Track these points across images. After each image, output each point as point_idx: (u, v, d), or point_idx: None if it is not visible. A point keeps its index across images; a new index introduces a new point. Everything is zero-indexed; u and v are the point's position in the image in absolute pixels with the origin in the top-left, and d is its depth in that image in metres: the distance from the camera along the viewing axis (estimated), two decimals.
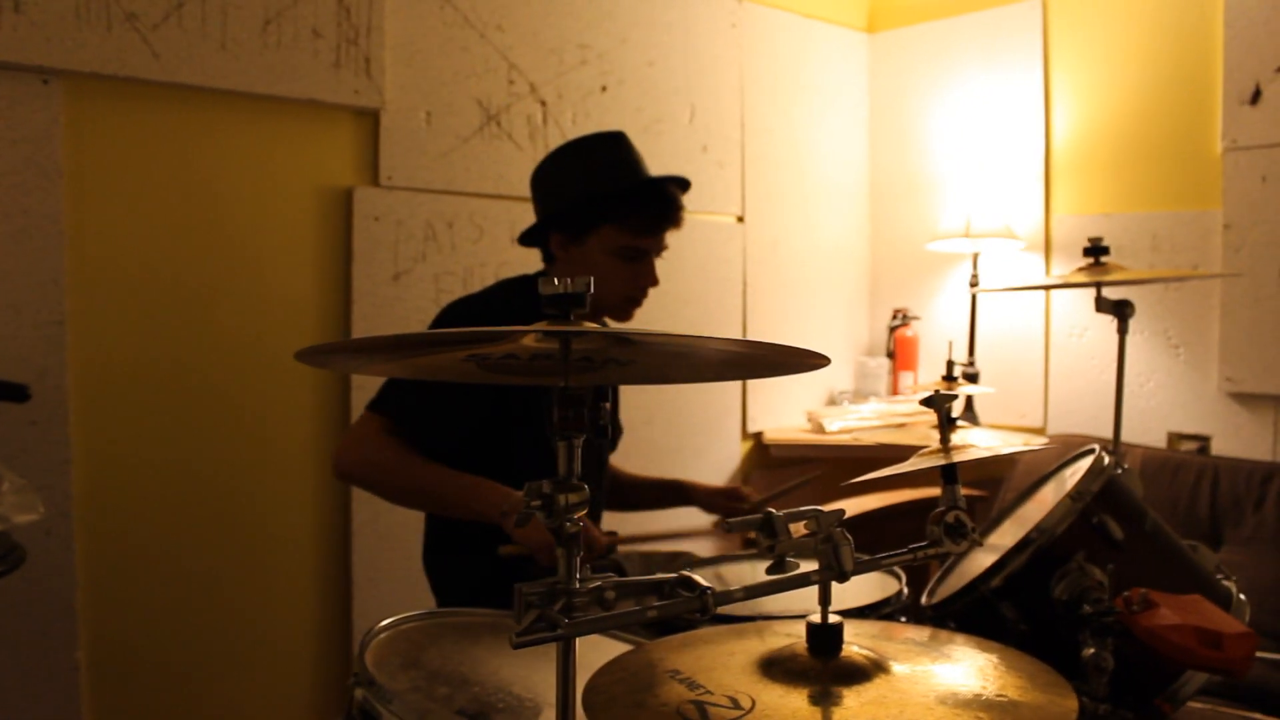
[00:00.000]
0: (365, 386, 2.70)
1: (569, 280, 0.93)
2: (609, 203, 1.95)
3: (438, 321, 2.05)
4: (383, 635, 1.39)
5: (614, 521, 2.35)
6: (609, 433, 0.97)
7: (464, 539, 1.96)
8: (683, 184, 2.06)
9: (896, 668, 0.97)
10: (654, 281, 2.02)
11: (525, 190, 2.14)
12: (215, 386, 2.54)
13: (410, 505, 2.02)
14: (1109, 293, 1.97)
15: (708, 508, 2.36)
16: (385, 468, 1.88)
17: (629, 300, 2.02)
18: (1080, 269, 2.01)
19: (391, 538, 2.73)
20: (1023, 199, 3.66)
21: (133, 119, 2.40)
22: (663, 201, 1.99)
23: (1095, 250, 1.99)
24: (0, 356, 2.22)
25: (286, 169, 2.63)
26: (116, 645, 2.41)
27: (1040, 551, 1.31)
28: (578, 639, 0.91)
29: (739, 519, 1.00)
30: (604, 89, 3.21)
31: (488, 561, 1.74)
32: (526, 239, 2.10)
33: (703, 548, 2.31)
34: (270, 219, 2.61)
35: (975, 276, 3.72)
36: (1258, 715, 1.52)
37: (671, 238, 2.08)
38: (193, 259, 2.50)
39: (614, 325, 2.10)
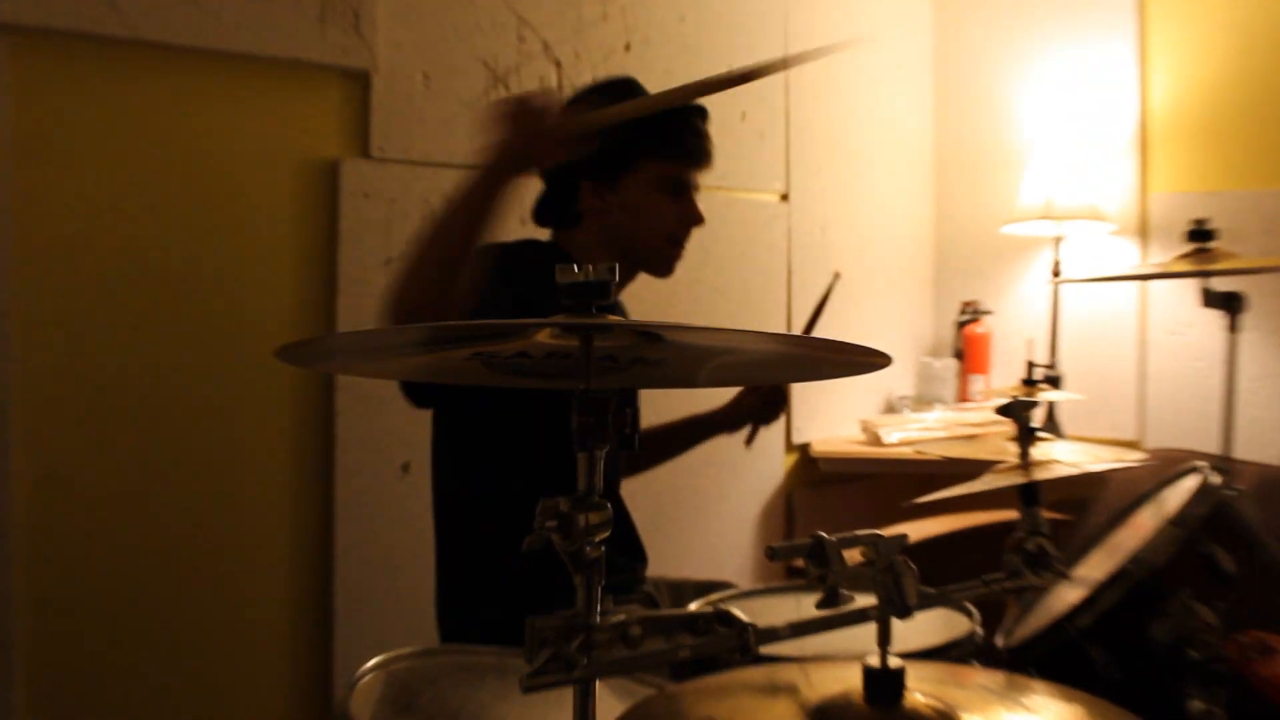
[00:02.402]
0: (350, 388, 2.71)
1: (590, 267, 0.93)
2: (645, 132, 2.04)
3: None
4: (370, 675, 1.39)
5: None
6: (636, 442, 0.97)
7: (485, 576, 1.98)
8: (703, 113, 2.18)
9: (967, 719, 0.96)
10: (700, 218, 2.13)
11: None
12: (180, 387, 2.54)
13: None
14: (1216, 283, 1.96)
15: (735, 422, 2.53)
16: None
17: (673, 241, 2.12)
18: (1182, 256, 2.00)
19: (382, 562, 2.73)
20: (1113, 174, 3.63)
21: (89, 80, 2.41)
22: (700, 131, 2.13)
23: (1200, 234, 1.98)
24: None
25: (263, 138, 2.64)
26: (61, 682, 2.42)
27: (1137, 586, 1.30)
28: (598, 681, 0.91)
29: (784, 544, 0.99)
30: (628, 48, 3.21)
31: (508, 598, 1.74)
32: (543, 208, 2.16)
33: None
34: (245, 195, 2.62)
35: (1058, 264, 3.70)
36: None
37: (706, 217, 2.12)
38: (155, 240, 2.51)
39: (636, 318, 2.10)
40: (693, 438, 2.59)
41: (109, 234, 2.46)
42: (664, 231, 2.10)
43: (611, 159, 2.06)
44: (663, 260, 2.14)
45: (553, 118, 1.78)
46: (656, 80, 3.21)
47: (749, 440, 2.55)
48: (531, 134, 1.77)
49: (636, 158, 2.07)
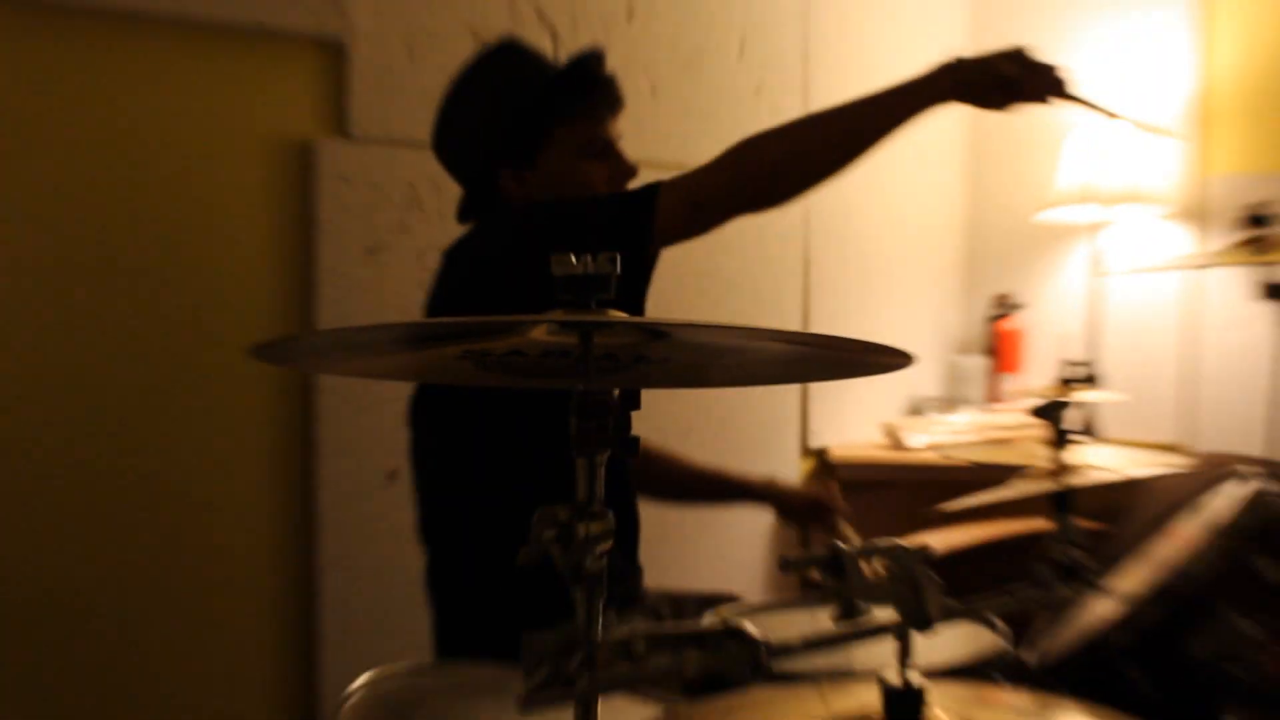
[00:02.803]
0: (331, 390, 2.73)
1: (589, 259, 0.95)
2: (550, 98, 2.04)
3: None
4: (359, 694, 1.40)
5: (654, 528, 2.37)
6: (638, 446, 0.99)
7: (485, 569, 2.01)
8: (598, 57, 2.14)
9: None
10: (633, 168, 2.10)
11: None
12: (142, 390, 2.55)
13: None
14: (1275, 274, 1.96)
15: (789, 514, 2.45)
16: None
17: None
18: (1239, 244, 2.01)
19: (369, 576, 2.74)
20: (1164, 153, 3.63)
21: (33, 53, 2.41)
22: (606, 79, 2.09)
23: (1258, 219, 1.98)
24: None
25: (229, 117, 2.64)
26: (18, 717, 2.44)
27: (1178, 600, 1.32)
28: (599, 699, 0.93)
29: (799, 555, 1.01)
30: (630, 15, 3.22)
31: (509, 597, 1.76)
32: (466, 206, 2.17)
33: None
34: (210, 179, 2.62)
35: (1099, 254, 3.71)
36: None
37: None
38: (111, 231, 2.50)
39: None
40: (727, 495, 2.55)
41: (58, 225, 2.45)
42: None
43: (523, 137, 2.04)
44: None
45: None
46: (663, 48, 3.27)
47: (802, 540, 2.51)
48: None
49: (549, 128, 2.04)
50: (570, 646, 0.92)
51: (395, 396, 2.62)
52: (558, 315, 0.93)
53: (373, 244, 2.78)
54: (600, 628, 0.94)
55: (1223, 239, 3.52)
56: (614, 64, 2.10)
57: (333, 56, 2.75)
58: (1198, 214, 3.62)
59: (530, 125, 2.04)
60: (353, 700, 1.39)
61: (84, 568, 2.50)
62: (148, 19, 2.51)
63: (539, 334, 0.96)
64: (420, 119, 2.81)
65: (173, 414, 2.59)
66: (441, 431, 2.11)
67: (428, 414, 2.13)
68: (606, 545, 0.94)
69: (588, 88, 2.06)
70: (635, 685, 0.95)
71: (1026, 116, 3.94)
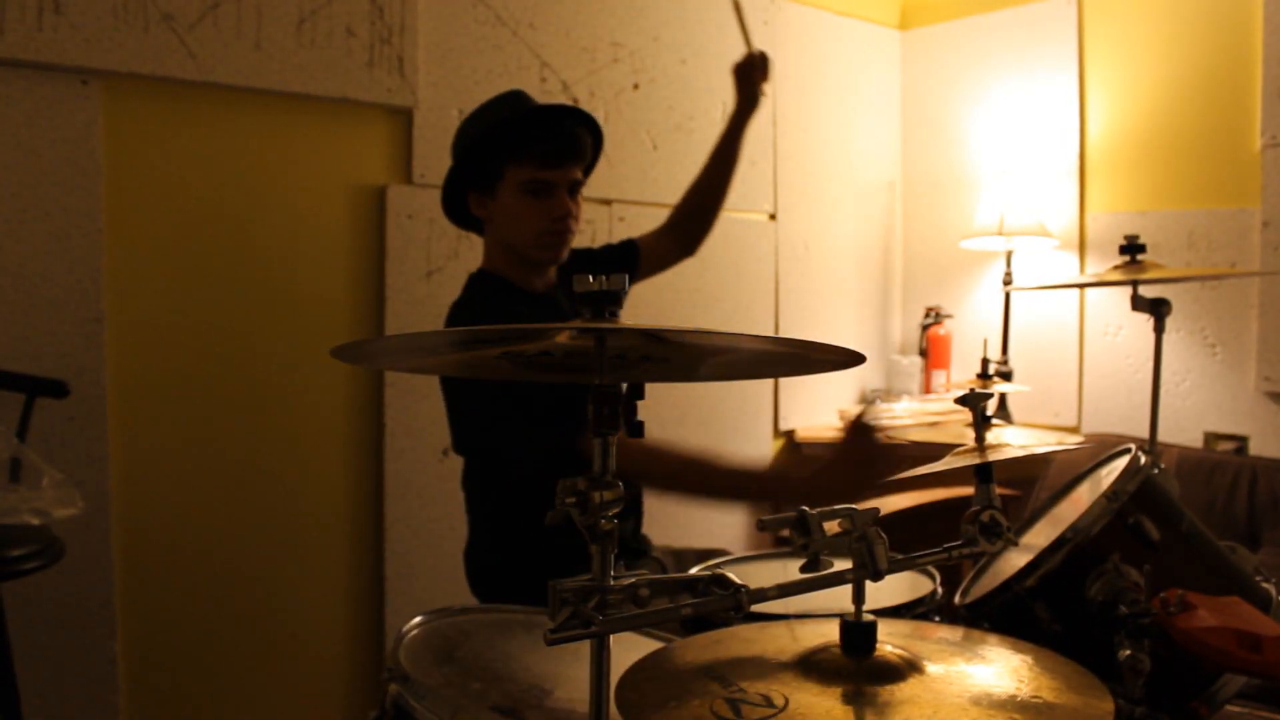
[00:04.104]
0: (397, 384, 2.72)
1: (604, 278, 0.93)
2: (503, 141, 1.95)
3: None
4: (416, 631, 1.39)
5: None
6: (643, 430, 0.97)
7: (509, 538, 1.98)
8: (583, 117, 2.03)
9: (930, 667, 0.96)
10: (567, 212, 1.98)
11: None
12: (250, 383, 2.56)
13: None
14: (1145, 291, 1.95)
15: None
16: None
17: (546, 234, 1.98)
18: (1116, 267, 1.99)
19: (424, 534, 2.75)
20: (1057, 196, 3.63)
21: (170, 118, 2.43)
22: (557, 131, 1.97)
23: (1131, 248, 1.97)
24: (39, 353, 2.26)
25: (320, 167, 2.65)
26: (153, 638, 2.44)
27: (1075, 551, 1.30)
28: (611, 636, 0.92)
29: (773, 517, 0.99)
30: (636, 87, 3.21)
31: (532, 560, 1.75)
32: (456, 219, 2.11)
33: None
34: (304, 217, 2.63)
35: (1009, 274, 3.69)
36: None
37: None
38: (228, 256, 2.52)
39: (642, 321, 2.10)
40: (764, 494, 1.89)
41: (188, 250, 2.47)
42: (535, 229, 1.97)
43: (486, 171, 1.97)
44: (544, 250, 2.00)
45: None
46: (661, 113, 3.25)
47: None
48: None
49: (503, 166, 1.95)
50: (588, 592, 0.90)
51: None
52: (578, 323, 0.91)
53: (430, 268, 2.77)
54: (612, 577, 0.92)
55: (1099, 263, 3.53)
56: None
57: (401, 121, 2.77)
58: (1080, 244, 3.61)
59: (492, 161, 1.96)
60: (411, 634, 1.38)
61: (206, 523, 2.51)
62: (260, 92, 2.53)
63: (563, 339, 0.94)
64: None
65: (273, 400, 2.60)
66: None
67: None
68: (617, 510, 0.92)
69: (539, 140, 1.94)
70: (641, 624, 0.92)
71: (951, 164, 3.95)
